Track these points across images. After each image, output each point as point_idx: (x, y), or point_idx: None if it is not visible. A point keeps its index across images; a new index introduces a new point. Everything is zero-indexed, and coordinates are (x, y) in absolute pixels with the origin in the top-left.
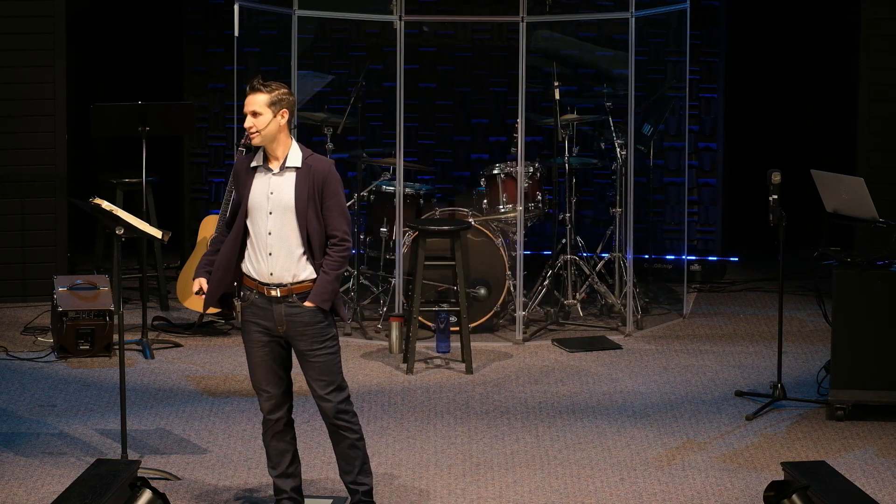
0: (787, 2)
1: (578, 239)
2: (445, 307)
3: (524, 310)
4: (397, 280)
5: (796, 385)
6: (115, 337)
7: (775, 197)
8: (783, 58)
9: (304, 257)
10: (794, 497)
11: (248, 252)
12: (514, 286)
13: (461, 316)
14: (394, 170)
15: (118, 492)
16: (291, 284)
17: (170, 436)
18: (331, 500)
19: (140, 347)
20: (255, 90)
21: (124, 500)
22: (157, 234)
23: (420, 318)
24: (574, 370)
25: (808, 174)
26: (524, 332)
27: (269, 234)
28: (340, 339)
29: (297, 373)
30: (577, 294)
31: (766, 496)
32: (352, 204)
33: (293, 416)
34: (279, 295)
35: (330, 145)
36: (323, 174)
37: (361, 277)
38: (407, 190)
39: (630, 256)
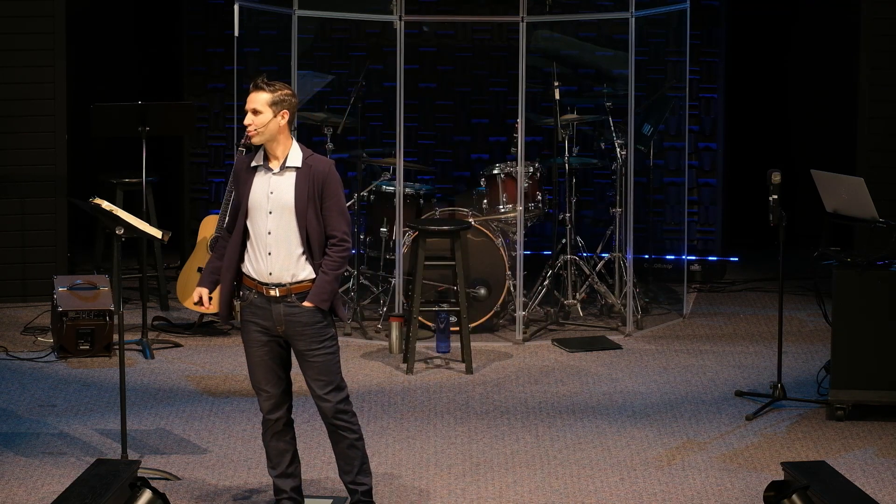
0: (787, 2)
1: (578, 239)
2: (445, 307)
3: (524, 310)
4: (397, 280)
5: (796, 385)
6: (115, 337)
7: (775, 197)
8: (783, 58)
9: (304, 257)
10: (794, 497)
11: (248, 252)
12: (514, 286)
13: (461, 316)
14: (394, 170)
15: (118, 492)
16: (290, 284)
17: (170, 436)
18: (331, 500)
19: (140, 347)
20: (258, 88)
21: (124, 500)
22: (157, 234)
23: (420, 318)
24: (574, 370)
25: (808, 174)
26: (524, 332)
27: (269, 233)
28: (340, 339)
29: (296, 373)
30: (577, 294)
31: (766, 496)
32: (352, 204)
33: (293, 416)
34: (278, 295)
35: (330, 145)
36: (323, 174)
37: (361, 277)
38: (407, 190)
39: (630, 256)
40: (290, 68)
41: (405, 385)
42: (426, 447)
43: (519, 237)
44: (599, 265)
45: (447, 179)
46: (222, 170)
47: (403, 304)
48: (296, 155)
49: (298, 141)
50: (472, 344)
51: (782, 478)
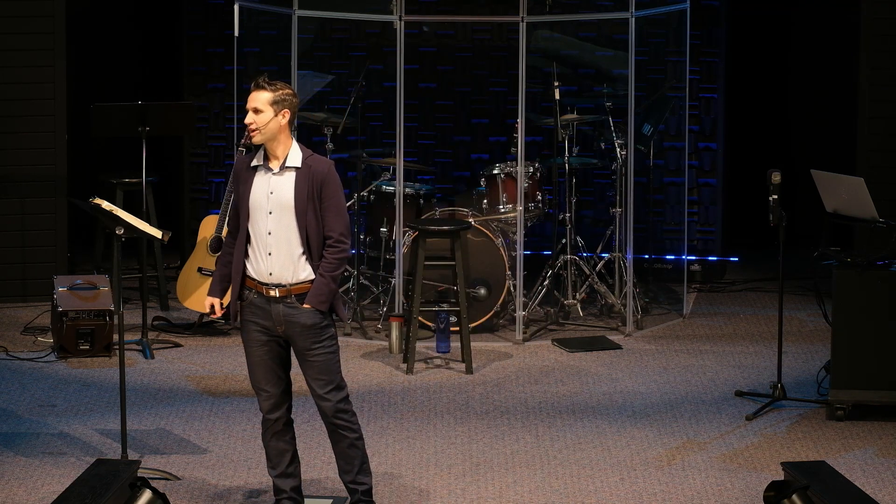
0: (787, 2)
1: (578, 239)
2: (445, 307)
3: (524, 310)
4: (397, 280)
5: (796, 385)
6: (115, 337)
7: (775, 197)
8: (783, 58)
9: (304, 258)
10: (794, 497)
11: (249, 252)
12: (514, 286)
13: (461, 316)
14: (394, 170)
15: (118, 492)
16: (290, 285)
17: (170, 436)
18: (331, 500)
19: (140, 347)
20: (259, 87)
21: (124, 500)
22: (157, 234)
23: (420, 318)
24: (574, 370)
25: (808, 174)
26: (524, 332)
27: (269, 233)
28: (340, 339)
29: (296, 373)
30: (577, 294)
31: (766, 496)
32: (352, 204)
33: (293, 416)
34: (278, 295)
35: (330, 145)
36: (322, 174)
37: (361, 277)
38: (407, 190)
39: (630, 256)
40: (290, 68)
41: (405, 385)
42: (426, 447)
43: (519, 237)
44: (599, 265)
45: (447, 179)
46: (222, 170)
47: (403, 304)
48: (295, 155)
49: (298, 141)
50: (472, 344)
51: (782, 478)
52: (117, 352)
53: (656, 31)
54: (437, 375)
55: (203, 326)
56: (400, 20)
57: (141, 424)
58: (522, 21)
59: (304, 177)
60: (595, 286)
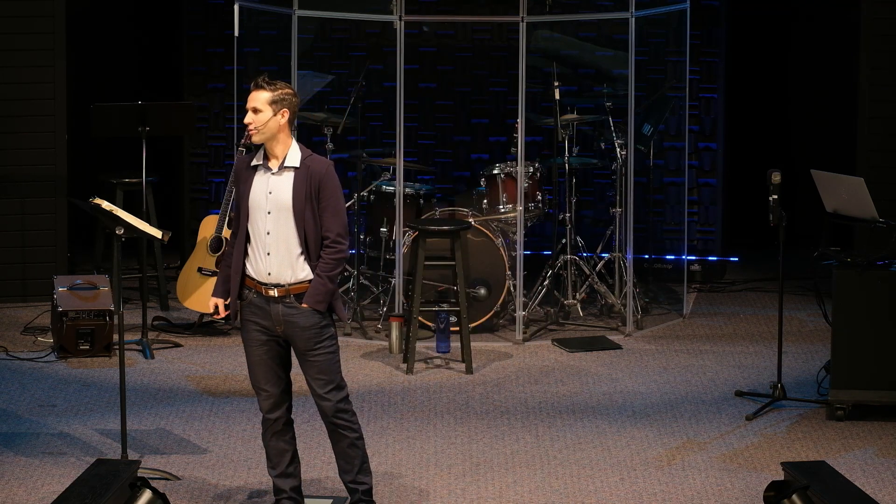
0: (787, 1)
1: (578, 239)
2: (445, 307)
3: (524, 310)
4: (397, 280)
5: (796, 385)
6: (115, 337)
7: (775, 197)
8: (783, 58)
9: (302, 258)
10: (794, 497)
11: (248, 251)
12: (514, 286)
13: (461, 316)
14: (394, 170)
15: (118, 492)
16: (289, 285)
17: (170, 436)
18: (331, 500)
19: (140, 347)
20: (258, 87)
21: (124, 500)
22: (157, 234)
23: (420, 318)
24: (574, 370)
25: (808, 174)
26: (524, 332)
27: (268, 233)
28: (340, 339)
29: (296, 373)
30: (577, 294)
31: (766, 496)
32: (352, 204)
33: (293, 416)
34: (277, 295)
35: (330, 145)
36: (320, 175)
37: (361, 277)
38: (407, 190)
39: (630, 256)
40: (290, 68)
41: (405, 385)
42: (426, 447)
43: (519, 237)
44: (599, 265)
45: (447, 179)
46: (222, 170)
47: (403, 304)
48: (294, 155)
49: (298, 141)
50: (472, 344)
51: (782, 478)
52: (117, 352)
53: (656, 31)
54: (437, 375)
55: (203, 326)
56: (400, 20)
57: (141, 424)
58: (522, 21)
59: (303, 177)
60: (595, 286)
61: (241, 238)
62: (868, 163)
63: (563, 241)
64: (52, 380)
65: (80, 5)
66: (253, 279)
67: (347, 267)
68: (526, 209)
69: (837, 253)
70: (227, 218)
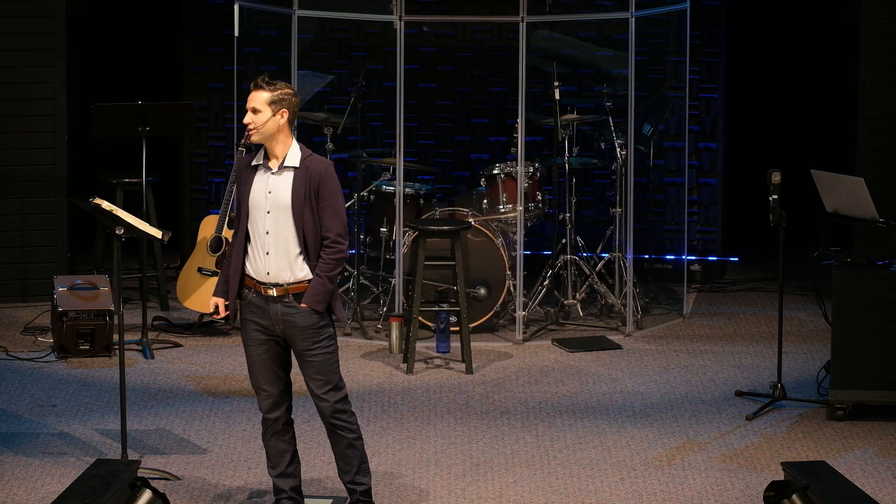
0: (786, 2)
1: (578, 239)
2: (445, 307)
3: (524, 310)
4: (397, 280)
5: (796, 385)
6: (115, 337)
7: (775, 197)
8: (783, 58)
9: (301, 257)
10: (794, 497)
11: (248, 251)
12: (514, 286)
13: (461, 316)
14: (394, 170)
15: (118, 492)
16: (288, 284)
17: (170, 436)
18: (331, 500)
19: (140, 347)
20: (258, 87)
21: (124, 500)
22: (157, 234)
23: (420, 318)
24: (574, 370)
25: (808, 174)
26: (524, 332)
27: (267, 233)
28: (340, 339)
29: (296, 373)
30: (577, 294)
31: (766, 496)
32: (352, 204)
33: (293, 416)
34: (276, 294)
35: (330, 145)
36: (319, 175)
37: (361, 277)
38: (407, 190)
39: (630, 256)
40: (290, 68)
41: (405, 385)
42: (426, 447)
43: (519, 237)
44: (599, 265)
45: (447, 179)
46: (222, 170)
47: (403, 304)
48: (294, 155)
49: (298, 141)
50: (472, 344)
51: (782, 478)
52: (117, 352)
53: (656, 31)
54: (437, 375)
55: (203, 326)
56: (400, 20)
57: (141, 424)
58: (522, 21)
59: (302, 177)
60: (595, 286)
61: (241, 237)
62: (868, 163)
63: (563, 241)
64: (52, 380)
65: (80, 5)
66: (252, 279)
67: (347, 267)
68: (526, 209)
69: (837, 253)
70: (227, 218)
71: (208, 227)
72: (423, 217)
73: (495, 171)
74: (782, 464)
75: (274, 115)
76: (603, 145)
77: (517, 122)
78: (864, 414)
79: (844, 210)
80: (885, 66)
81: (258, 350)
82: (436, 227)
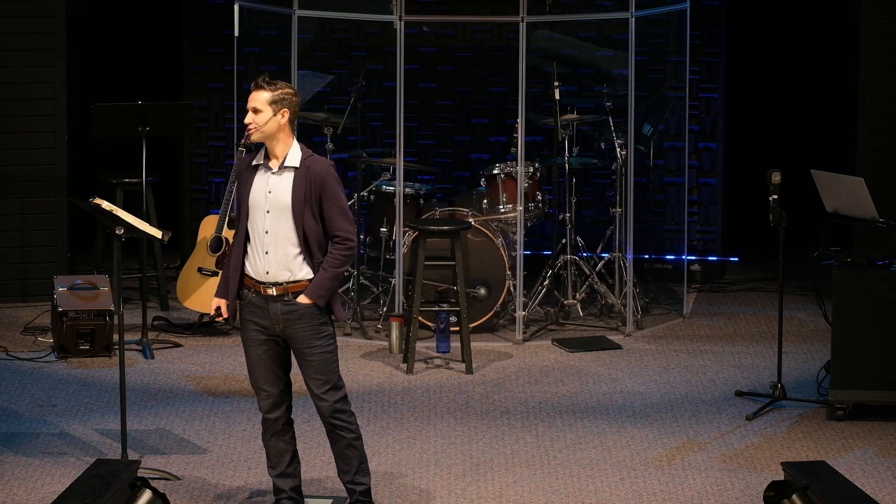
0: (786, 2)
1: (578, 239)
2: (445, 307)
3: (524, 310)
4: (397, 280)
5: (796, 385)
6: (115, 337)
7: (775, 197)
8: (783, 58)
9: (301, 257)
10: (794, 497)
11: (248, 250)
12: (514, 286)
13: (461, 316)
14: (394, 170)
15: (118, 492)
16: (287, 283)
17: (170, 436)
18: (331, 500)
19: (140, 347)
20: (258, 87)
21: (124, 500)
22: (157, 234)
23: (420, 318)
24: (574, 370)
25: (808, 174)
26: (524, 332)
27: (266, 232)
28: (340, 339)
29: (296, 373)
30: (577, 294)
31: (766, 496)
32: (352, 204)
33: (293, 416)
34: (275, 294)
35: (330, 145)
36: (320, 175)
37: (361, 277)
38: (407, 190)
39: (630, 256)
40: (290, 68)
41: (405, 385)
42: (426, 447)
43: (519, 237)
44: (599, 265)
45: (447, 179)
46: (222, 170)
47: (403, 304)
48: (295, 155)
49: (298, 141)
50: (472, 344)
51: (782, 478)
52: (117, 352)
53: (656, 31)
54: (437, 375)
55: (203, 326)
56: (400, 20)
57: (141, 424)
58: (522, 21)
59: (302, 177)
60: (595, 286)
61: (241, 237)
62: (868, 163)
63: (563, 241)
64: (52, 380)
65: (80, 5)
66: (252, 278)
67: (348, 267)
68: (526, 209)
69: (837, 253)
70: (227, 218)
71: (208, 227)
72: (423, 217)
73: (495, 171)
74: (782, 464)
75: (275, 114)
76: (603, 145)
77: (517, 122)
78: (864, 414)
79: (844, 210)
80: (885, 66)
81: (258, 350)
82: (436, 227)
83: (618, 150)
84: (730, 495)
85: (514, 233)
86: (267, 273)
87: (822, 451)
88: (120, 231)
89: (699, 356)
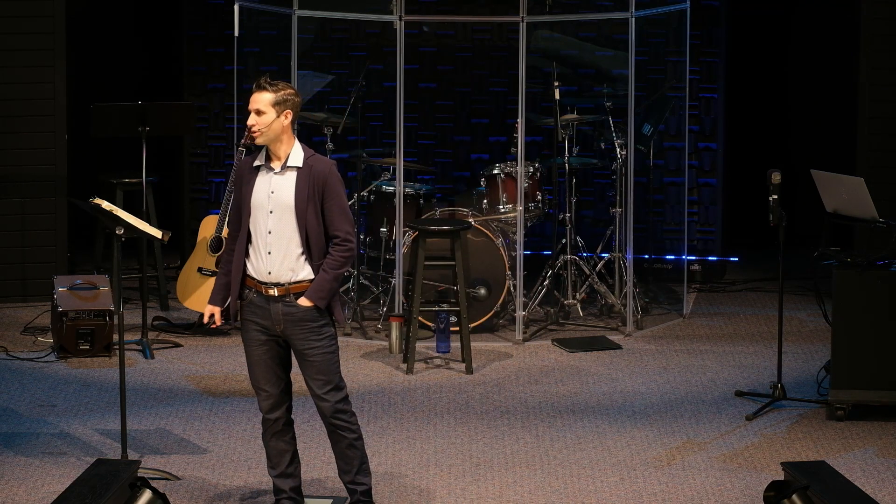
0: (786, 2)
1: (578, 239)
2: (445, 307)
3: (524, 310)
4: (397, 280)
5: (796, 385)
6: (115, 337)
7: (775, 197)
8: (783, 58)
9: (303, 257)
10: (794, 497)
11: (249, 251)
12: (514, 286)
13: (461, 316)
14: (394, 170)
15: (118, 492)
16: (289, 284)
17: (170, 436)
18: (331, 500)
19: (140, 347)
20: (261, 88)
21: (124, 500)
22: (157, 234)
23: (420, 318)
24: (574, 370)
25: (808, 174)
26: (524, 332)
27: (269, 232)
28: (340, 339)
29: (296, 373)
30: (577, 294)
31: (766, 496)
32: (352, 204)
33: (293, 416)
34: (277, 294)
35: (330, 145)
36: (323, 175)
37: (361, 277)
38: (407, 190)
39: (630, 256)
40: (290, 68)
41: (405, 385)
42: (426, 447)
43: (519, 237)
44: (599, 265)
45: (447, 179)
46: (222, 170)
47: (403, 304)
48: (297, 155)
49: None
50: (472, 344)
51: (782, 478)
52: (117, 352)
53: (656, 31)
54: (437, 375)
55: (203, 326)
56: (400, 20)
57: (141, 424)
58: (522, 21)
59: (305, 177)
60: (595, 286)
61: (243, 238)
62: (868, 163)
63: (563, 241)
64: (52, 380)
65: (80, 5)
66: (253, 279)
67: (348, 268)
68: (526, 209)
69: (837, 253)
70: (227, 218)
71: (208, 227)
72: (423, 217)
73: (495, 171)
74: (782, 464)
75: (278, 116)
76: (603, 145)
77: (517, 122)
78: (864, 414)
79: (844, 210)
80: (885, 66)
81: (258, 350)
82: (436, 227)
83: (618, 150)
84: (730, 495)
85: (514, 233)
86: (269, 273)
87: (822, 451)
88: (120, 231)
89: (699, 356)
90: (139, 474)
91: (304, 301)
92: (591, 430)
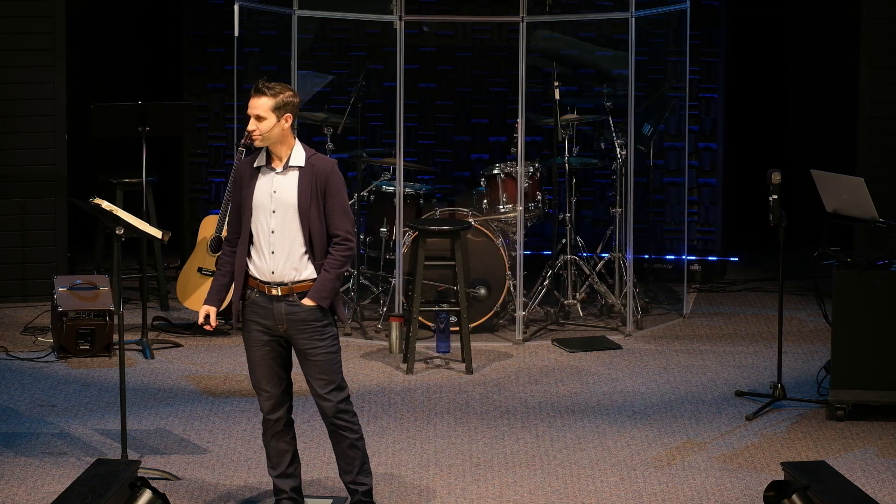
0: (786, 2)
1: (578, 239)
2: (445, 307)
3: (524, 310)
4: (397, 280)
5: (796, 385)
6: (115, 337)
7: (775, 197)
8: (783, 58)
9: (306, 257)
10: (794, 497)
11: (251, 251)
12: (514, 286)
13: (461, 316)
14: (394, 170)
15: (118, 492)
16: (292, 283)
17: (170, 436)
18: (331, 500)
19: (140, 347)
20: (259, 93)
21: (124, 500)
22: (157, 234)
23: (420, 318)
24: (574, 370)
25: (808, 174)
26: (524, 332)
27: (272, 232)
28: (340, 339)
29: (297, 373)
30: (577, 294)
31: (766, 496)
32: (352, 204)
33: (293, 417)
34: (280, 294)
35: (330, 145)
36: (325, 174)
37: (361, 277)
38: (407, 190)
39: (630, 256)
40: (290, 68)
41: (405, 385)
42: (426, 447)
43: (519, 237)
44: (599, 265)
45: (447, 179)
46: (222, 170)
47: (403, 304)
48: (299, 154)
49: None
50: (472, 344)
51: (782, 478)
52: (117, 352)
53: (656, 31)
54: (437, 375)
55: (203, 326)
56: (400, 20)
57: (141, 424)
58: (522, 21)
59: (308, 176)
60: (595, 286)
61: (245, 239)
62: (868, 163)
63: (563, 241)
64: (52, 380)
65: (80, 5)
66: (256, 279)
67: (348, 268)
68: (526, 209)
69: (837, 253)
70: (227, 218)
71: (208, 227)
72: (423, 217)
73: (495, 171)
74: (782, 464)
75: (278, 120)
76: (603, 145)
77: (517, 122)
78: (864, 414)
79: (844, 210)
80: (885, 66)
81: (260, 351)
82: (436, 227)
83: (618, 150)
84: (730, 495)
85: (514, 233)
86: (272, 273)
87: (822, 451)
88: (120, 231)
89: (699, 356)
90: (139, 474)
91: (307, 301)
92: (591, 430)
